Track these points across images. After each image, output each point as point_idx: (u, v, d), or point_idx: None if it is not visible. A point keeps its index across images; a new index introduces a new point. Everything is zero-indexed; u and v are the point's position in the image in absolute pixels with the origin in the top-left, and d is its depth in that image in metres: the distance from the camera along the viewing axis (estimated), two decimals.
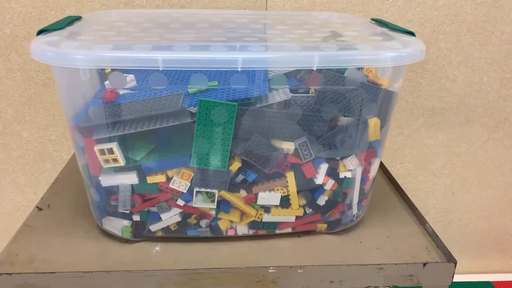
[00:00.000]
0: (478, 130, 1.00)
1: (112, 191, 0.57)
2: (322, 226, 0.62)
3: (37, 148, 0.94)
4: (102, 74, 0.55)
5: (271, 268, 0.55)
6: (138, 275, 0.54)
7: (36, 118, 0.91)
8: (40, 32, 0.54)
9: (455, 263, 0.57)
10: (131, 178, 0.56)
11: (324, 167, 0.57)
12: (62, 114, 0.91)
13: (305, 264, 0.56)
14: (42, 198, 0.70)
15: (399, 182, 0.76)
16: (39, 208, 0.67)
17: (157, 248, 0.59)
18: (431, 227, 0.63)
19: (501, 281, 1.09)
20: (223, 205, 0.59)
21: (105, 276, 0.54)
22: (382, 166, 0.82)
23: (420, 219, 0.66)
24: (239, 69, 0.47)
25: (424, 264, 0.56)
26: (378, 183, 0.77)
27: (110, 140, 0.53)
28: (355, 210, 0.62)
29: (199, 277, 0.55)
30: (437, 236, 0.61)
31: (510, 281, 1.09)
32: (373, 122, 0.57)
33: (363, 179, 0.61)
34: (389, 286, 0.57)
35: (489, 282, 1.09)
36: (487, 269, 1.15)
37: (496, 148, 1.02)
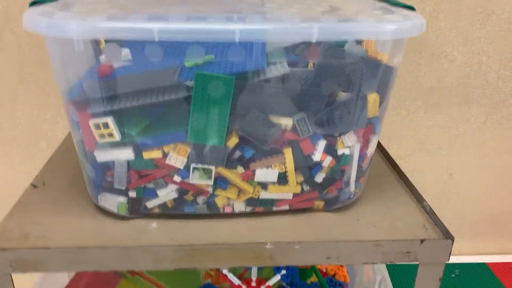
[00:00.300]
0: (476, 111, 0.99)
1: (107, 167, 0.56)
2: (319, 204, 0.62)
3: (32, 128, 0.93)
4: (98, 50, 0.54)
5: (268, 244, 0.55)
6: (134, 251, 0.53)
7: (31, 97, 0.90)
8: (33, 3, 0.53)
9: (453, 240, 0.56)
10: (127, 154, 0.55)
11: (322, 143, 0.57)
12: (57, 93, 0.90)
13: (303, 240, 0.55)
14: (36, 176, 0.69)
15: (397, 162, 0.76)
16: (33, 186, 0.67)
17: (154, 225, 0.59)
18: (428, 205, 0.63)
19: (496, 263, 1.10)
20: (220, 182, 0.58)
21: (101, 252, 0.53)
22: (379, 146, 0.81)
23: (418, 198, 0.66)
24: (237, 41, 0.46)
25: (422, 241, 0.56)
26: (376, 163, 0.77)
27: (105, 114, 0.52)
28: (352, 187, 0.62)
29: (196, 253, 0.54)
30: (434, 214, 0.61)
31: (505, 262, 1.10)
32: (372, 98, 0.56)
33: (361, 157, 0.60)
34: (386, 263, 0.57)
35: (484, 263, 1.10)
36: (482, 250, 1.16)
37: (494, 129, 1.02)
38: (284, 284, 0.74)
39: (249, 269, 0.74)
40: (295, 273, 0.72)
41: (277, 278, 0.71)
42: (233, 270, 0.73)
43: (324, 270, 0.84)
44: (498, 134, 1.03)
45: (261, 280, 0.71)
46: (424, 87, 0.96)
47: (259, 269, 0.74)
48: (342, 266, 0.85)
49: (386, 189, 0.69)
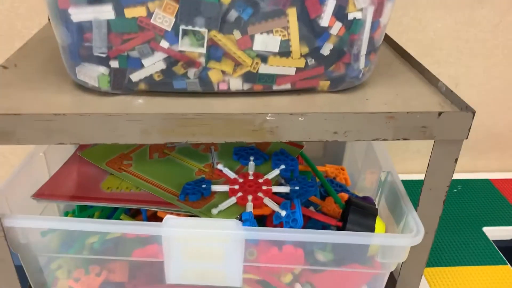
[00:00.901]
0: (489, 12, 0.92)
1: (84, 29, 0.49)
2: (324, 84, 0.56)
3: (3, 25, 0.84)
4: None
5: (269, 115, 0.49)
6: (118, 120, 0.47)
7: None
8: None
9: (474, 113, 0.51)
10: (107, 12, 0.48)
11: (331, 3, 0.50)
12: None
13: (307, 111, 0.49)
14: (8, 59, 0.61)
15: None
16: (3, 67, 0.59)
17: (140, 101, 0.52)
18: (444, 85, 0.57)
19: (499, 179, 1.06)
20: (214, 51, 0.51)
21: (80, 120, 0.47)
22: (388, 38, 0.75)
23: (432, 80, 0.60)
24: None
25: (440, 114, 0.51)
26: (384, 54, 0.71)
27: None
28: (362, 64, 0.56)
29: (188, 123, 0.48)
30: (451, 91, 0.55)
31: (508, 179, 1.06)
32: None
33: (374, 25, 0.53)
34: (398, 139, 0.52)
35: (487, 179, 1.06)
36: (485, 168, 1.12)
37: (507, 33, 0.95)
38: (283, 181, 0.70)
39: (246, 164, 0.69)
40: (295, 168, 0.67)
41: (276, 172, 0.66)
42: (228, 166, 0.67)
43: (325, 174, 0.79)
44: (511, 39, 0.96)
45: (258, 174, 0.66)
46: None
47: (257, 164, 0.68)
48: (343, 169, 0.81)
49: (397, 74, 0.63)
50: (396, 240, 0.55)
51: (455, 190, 1.02)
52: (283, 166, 0.67)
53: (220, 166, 0.67)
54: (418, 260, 0.62)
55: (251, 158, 0.69)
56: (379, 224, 0.61)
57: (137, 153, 0.71)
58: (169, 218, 0.55)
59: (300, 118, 0.49)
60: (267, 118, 0.49)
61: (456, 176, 1.05)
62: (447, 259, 0.82)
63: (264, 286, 0.62)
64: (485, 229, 0.90)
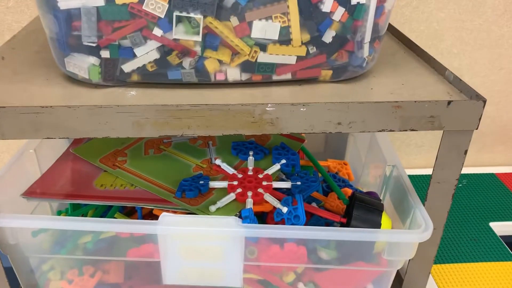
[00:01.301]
0: (494, 1, 0.89)
1: (73, 17, 0.46)
2: (327, 73, 0.53)
3: None
4: None
5: (269, 105, 0.46)
6: (108, 112, 0.45)
7: None
8: None
9: (484, 102, 0.48)
10: None
11: None
12: None
13: (309, 101, 0.47)
14: None
15: None
16: None
17: (133, 93, 0.50)
18: (452, 73, 0.55)
19: (505, 173, 1.04)
20: (210, 39, 0.49)
21: (68, 112, 0.44)
22: (391, 28, 0.72)
23: (438, 69, 0.57)
24: None
25: (449, 103, 0.48)
26: (387, 43, 0.68)
27: None
28: (366, 51, 0.53)
29: (184, 115, 0.46)
30: (460, 80, 0.53)
31: None
32: None
33: (378, 10, 0.51)
34: (405, 130, 0.49)
35: (493, 174, 1.03)
36: (491, 162, 1.09)
37: None
38: (283, 176, 0.67)
39: (245, 159, 0.66)
40: (296, 162, 0.64)
41: (276, 167, 0.63)
42: (227, 162, 0.65)
43: (327, 169, 0.77)
44: None
45: (258, 169, 0.63)
46: None
47: (256, 159, 0.66)
48: (345, 164, 0.78)
49: (401, 64, 0.60)
50: (404, 236, 0.52)
51: (460, 185, 0.99)
52: (284, 161, 0.64)
53: (218, 162, 0.64)
54: (426, 257, 0.60)
55: (251, 153, 0.66)
56: (385, 220, 0.58)
57: (132, 149, 0.68)
58: (165, 216, 0.53)
59: (301, 109, 0.47)
60: (267, 109, 0.46)
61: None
62: (454, 255, 0.80)
63: (265, 286, 0.60)
64: (492, 224, 0.88)
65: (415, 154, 1.05)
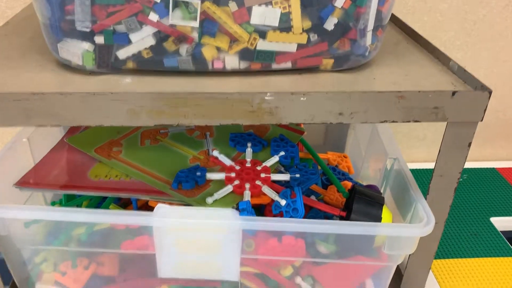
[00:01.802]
0: None
1: (66, 0, 0.44)
2: (328, 62, 0.52)
3: None
4: None
5: (268, 94, 0.45)
6: (102, 99, 0.43)
7: None
8: None
9: (490, 92, 0.47)
10: None
11: None
12: None
13: (310, 90, 0.45)
14: None
15: None
16: None
17: (128, 80, 0.48)
18: (456, 64, 0.53)
19: (506, 168, 1.02)
20: (208, 25, 0.47)
21: (60, 99, 0.43)
22: (394, 18, 0.70)
23: (443, 59, 0.56)
24: None
25: (453, 93, 0.46)
26: (390, 33, 0.66)
27: None
28: (368, 40, 0.51)
29: (180, 104, 0.44)
30: (464, 71, 0.51)
31: None
32: None
33: None
34: (408, 121, 0.48)
35: (493, 168, 1.02)
36: (492, 157, 1.08)
37: None
38: (282, 168, 0.66)
39: (243, 151, 0.64)
40: (295, 155, 0.63)
41: (275, 159, 0.62)
42: (224, 153, 0.63)
43: (326, 162, 0.75)
44: None
45: (256, 161, 0.62)
46: None
47: (254, 151, 0.64)
48: (345, 157, 0.77)
49: (405, 54, 0.59)
50: (405, 230, 0.51)
51: (461, 180, 0.98)
52: (282, 153, 0.63)
53: (215, 153, 0.63)
54: (427, 252, 0.58)
55: (249, 144, 0.65)
56: (385, 213, 0.57)
57: (127, 140, 0.67)
58: (160, 207, 0.51)
59: (302, 98, 0.45)
60: (266, 98, 0.45)
61: None
62: (454, 251, 0.79)
63: (262, 280, 0.59)
64: (493, 219, 0.86)
65: (416, 147, 1.04)
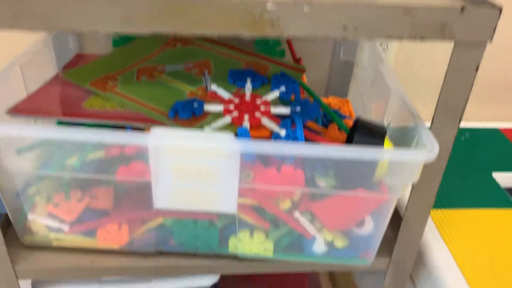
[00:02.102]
0: None
1: None
2: None
3: None
4: None
5: (270, 5, 0.43)
6: (95, 2, 0.41)
7: None
8: None
9: (500, 10, 0.45)
10: None
11: None
12: None
13: (313, 1, 0.43)
14: None
15: None
16: None
17: None
18: None
19: (509, 129, 1.01)
20: None
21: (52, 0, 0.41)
22: None
23: None
24: None
25: (462, 9, 0.45)
26: None
27: None
28: None
29: (178, 11, 0.42)
30: None
31: None
32: None
33: None
34: (414, 38, 0.46)
35: (497, 129, 1.01)
36: (495, 117, 1.06)
37: None
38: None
39: (243, 87, 0.63)
40: (296, 91, 0.61)
41: (275, 94, 0.60)
42: (223, 89, 0.61)
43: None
44: None
45: (256, 95, 0.60)
46: None
47: (254, 87, 0.63)
48: (347, 101, 0.75)
49: None
50: (408, 154, 0.49)
51: (463, 138, 0.96)
52: (283, 88, 0.61)
53: (214, 87, 0.61)
54: (428, 189, 0.57)
55: (248, 79, 0.63)
56: (387, 145, 0.55)
57: (123, 75, 0.65)
58: (157, 129, 0.50)
59: (305, 10, 0.43)
60: (268, 8, 0.43)
61: (463, 124, 1.00)
62: (455, 201, 0.77)
63: (260, 214, 0.57)
64: (495, 174, 0.85)
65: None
